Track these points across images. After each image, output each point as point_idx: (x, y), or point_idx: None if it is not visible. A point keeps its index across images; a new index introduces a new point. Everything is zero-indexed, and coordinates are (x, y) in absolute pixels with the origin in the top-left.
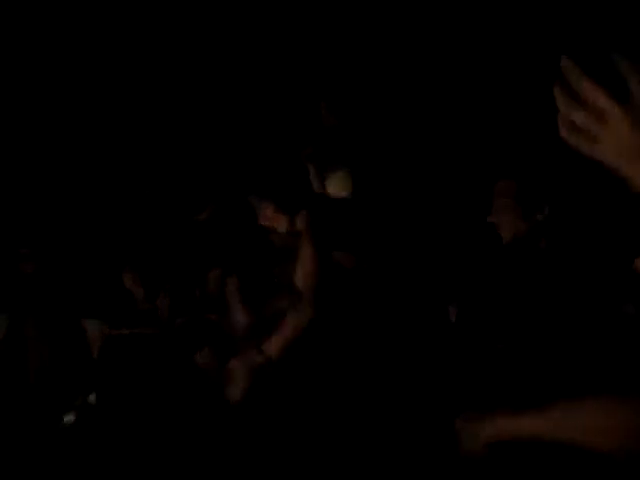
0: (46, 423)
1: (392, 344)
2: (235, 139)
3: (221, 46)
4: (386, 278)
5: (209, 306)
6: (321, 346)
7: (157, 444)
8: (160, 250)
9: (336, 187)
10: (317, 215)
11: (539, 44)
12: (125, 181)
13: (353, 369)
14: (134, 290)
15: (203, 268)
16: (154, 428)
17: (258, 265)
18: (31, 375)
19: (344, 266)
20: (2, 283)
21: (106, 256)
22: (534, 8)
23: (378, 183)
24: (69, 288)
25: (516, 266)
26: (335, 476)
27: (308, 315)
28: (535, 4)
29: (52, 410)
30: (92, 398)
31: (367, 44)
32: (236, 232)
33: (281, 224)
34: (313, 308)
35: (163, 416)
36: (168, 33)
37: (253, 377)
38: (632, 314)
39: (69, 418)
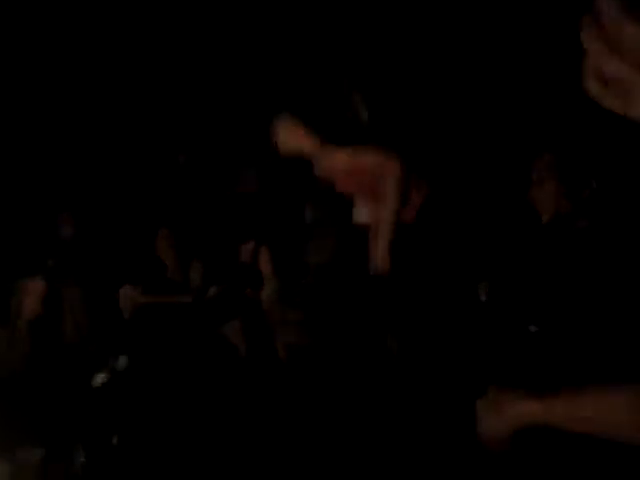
0: (78, 382)
1: (419, 322)
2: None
3: (222, 53)
4: (415, 254)
5: (242, 277)
6: (347, 318)
7: (181, 409)
8: (193, 220)
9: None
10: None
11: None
12: (160, 155)
13: (378, 346)
14: (167, 258)
15: (236, 239)
16: (179, 393)
17: (291, 237)
18: (66, 335)
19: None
20: (41, 247)
21: (141, 224)
22: None
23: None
24: (105, 253)
25: (553, 246)
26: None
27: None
28: None
29: (84, 370)
30: (123, 361)
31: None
32: (270, 204)
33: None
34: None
35: (188, 383)
36: (168, 33)
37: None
38: None
39: (100, 378)
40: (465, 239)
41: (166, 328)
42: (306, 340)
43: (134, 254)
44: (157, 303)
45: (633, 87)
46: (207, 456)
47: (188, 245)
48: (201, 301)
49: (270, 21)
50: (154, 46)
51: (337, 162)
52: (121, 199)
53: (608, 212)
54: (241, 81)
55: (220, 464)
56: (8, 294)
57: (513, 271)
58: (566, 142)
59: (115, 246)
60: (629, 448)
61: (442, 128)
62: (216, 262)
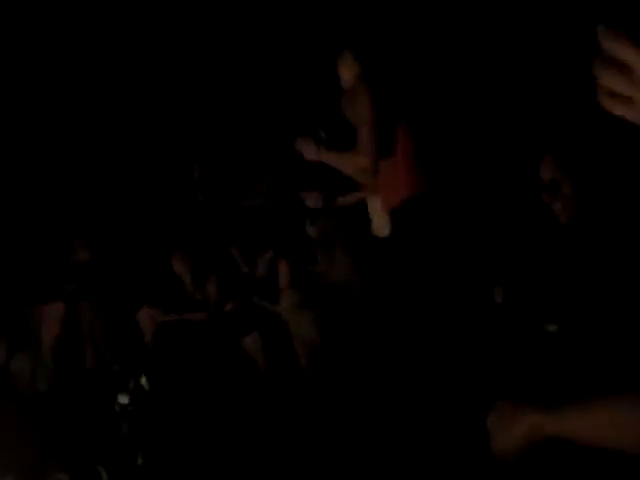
0: (100, 404)
1: (436, 324)
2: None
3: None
4: (434, 257)
5: (259, 289)
6: (367, 319)
7: (204, 426)
8: (208, 235)
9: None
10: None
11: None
12: (173, 170)
13: (396, 347)
14: (183, 276)
15: (252, 252)
16: (202, 411)
17: (307, 249)
18: (86, 358)
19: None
20: (59, 271)
21: (156, 243)
22: None
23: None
24: (122, 276)
25: (569, 247)
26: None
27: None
28: None
29: (106, 392)
30: (144, 382)
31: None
32: (282, 216)
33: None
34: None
35: (210, 399)
36: (184, 48)
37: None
38: None
39: (123, 400)
40: (479, 243)
41: (186, 346)
42: (323, 348)
43: (151, 274)
44: (176, 321)
45: (634, 98)
46: (230, 475)
47: (203, 261)
48: (219, 316)
49: (283, 43)
50: (170, 64)
51: None
52: (135, 220)
53: (623, 214)
54: (252, 98)
55: None
56: (28, 319)
57: (528, 274)
58: (575, 142)
59: (132, 267)
60: None
61: (456, 133)
62: (232, 276)
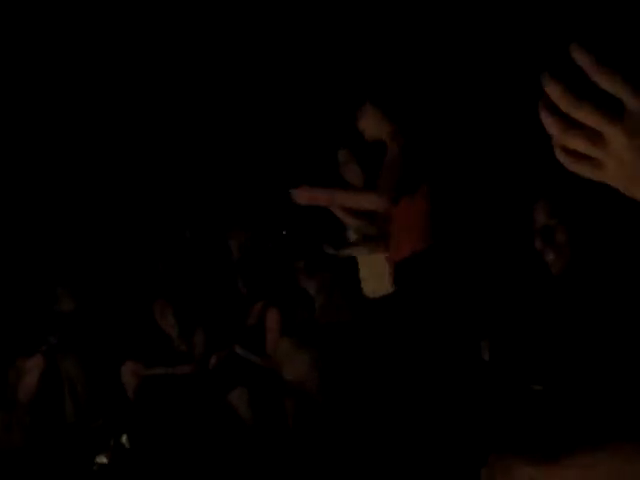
0: (80, 462)
1: (421, 380)
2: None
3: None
4: (419, 310)
5: (246, 341)
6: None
7: None
8: (194, 286)
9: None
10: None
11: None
12: (158, 219)
13: (380, 405)
14: (168, 328)
15: (241, 302)
16: (186, 470)
17: (298, 299)
18: (66, 413)
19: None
20: (40, 322)
21: (141, 295)
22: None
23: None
24: (106, 327)
25: (559, 298)
26: None
27: None
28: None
29: (86, 450)
30: (125, 439)
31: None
32: (267, 267)
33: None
34: None
35: (195, 455)
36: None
37: None
38: None
39: (101, 459)
40: (467, 298)
41: (170, 402)
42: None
43: (135, 327)
44: (160, 375)
45: (598, 160)
46: None
47: (189, 313)
48: (205, 370)
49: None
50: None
51: None
52: (120, 273)
53: (616, 265)
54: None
55: None
56: (6, 372)
57: (516, 329)
58: (571, 186)
59: (115, 320)
60: None
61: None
62: (219, 328)
